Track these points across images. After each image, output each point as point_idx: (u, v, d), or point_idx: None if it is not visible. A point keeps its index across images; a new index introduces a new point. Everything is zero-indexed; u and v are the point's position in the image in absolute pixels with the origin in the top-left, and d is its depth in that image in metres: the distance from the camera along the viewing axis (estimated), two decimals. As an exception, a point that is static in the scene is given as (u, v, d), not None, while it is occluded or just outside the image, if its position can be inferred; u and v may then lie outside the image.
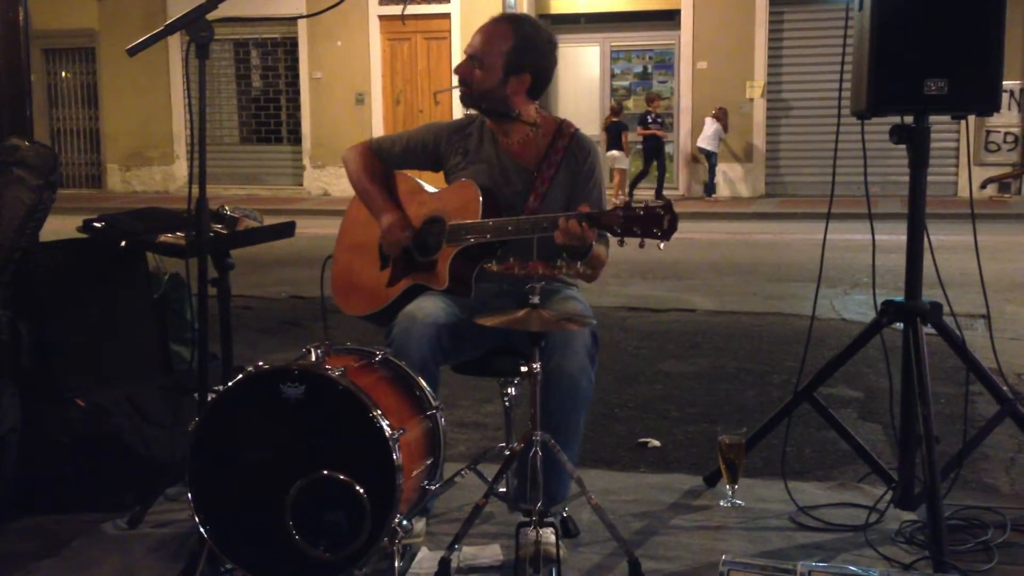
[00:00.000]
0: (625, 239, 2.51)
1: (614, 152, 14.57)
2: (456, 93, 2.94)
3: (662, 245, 2.47)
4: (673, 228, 2.46)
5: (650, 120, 14.75)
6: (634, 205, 2.50)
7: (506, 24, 2.89)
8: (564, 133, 2.92)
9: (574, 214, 2.57)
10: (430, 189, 3.00)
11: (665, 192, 14.56)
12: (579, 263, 2.52)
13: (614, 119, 14.69)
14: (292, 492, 2.28)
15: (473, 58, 2.87)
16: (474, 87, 2.88)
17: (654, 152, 14.83)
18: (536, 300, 2.42)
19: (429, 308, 2.74)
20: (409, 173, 3.09)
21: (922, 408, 2.75)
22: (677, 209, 2.50)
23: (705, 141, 14.84)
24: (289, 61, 16.83)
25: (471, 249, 2.78)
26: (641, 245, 2.51)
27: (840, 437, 3.17)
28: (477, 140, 2.98)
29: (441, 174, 3.07)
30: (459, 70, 2.90)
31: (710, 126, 14.77)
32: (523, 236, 2.68)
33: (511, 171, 2.92)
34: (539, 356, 2.44)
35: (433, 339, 2.69)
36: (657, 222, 2.46)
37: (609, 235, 2.59)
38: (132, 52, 2.50)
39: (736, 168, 15.21)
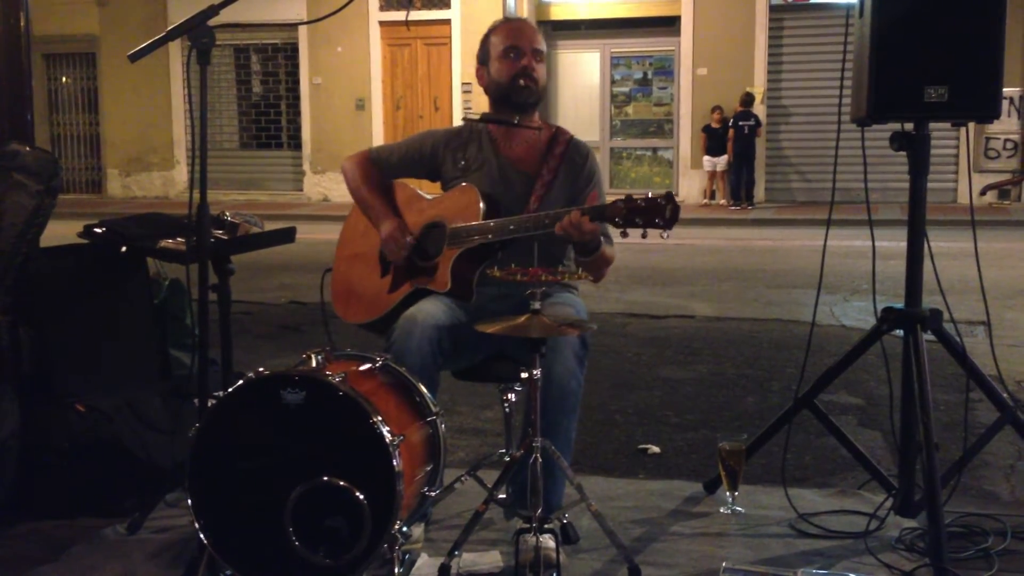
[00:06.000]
0: (628, 231, 2.53)
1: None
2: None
3: (666, 235, 2.49)
4: (675, 218, 2.49)
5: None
6: (635, 197, 2.52)
7: (531, 23, 2.97)
8: (560, 140, 2.95)
9: (577, 208, 2.59)
10: (429, 197, 3.00)
11: None
12: (580, 269, 2.53)
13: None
14: (292, 498, 2.27)
15: (538, 52, 2.90)
16: (540, 83, 2.92)
17: None
18: (537, 306, 2.42)
19: (430, 310, 2.74)
20: (407, 182, 3.10)
21: (922, 415, 2.75)
22: None
23: None
24: (289, 66, 16.84)
25: (473, 251, 2.78)
26: (644, 235, 2.53)
27: (840, 444, 3.17)
28: (476, 148, 2.98)
29: (438, 184, 3.07)
30: (530, 68, 2.88)
31: None
32: (525, 234, 2.69)
33: (511, 176, 2.93)
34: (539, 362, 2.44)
35: (434, 341, 2.69)
36: (659, 212, 2.49)
37: (612, 229, 2.59)
38: (134, 58, 2.49)
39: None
